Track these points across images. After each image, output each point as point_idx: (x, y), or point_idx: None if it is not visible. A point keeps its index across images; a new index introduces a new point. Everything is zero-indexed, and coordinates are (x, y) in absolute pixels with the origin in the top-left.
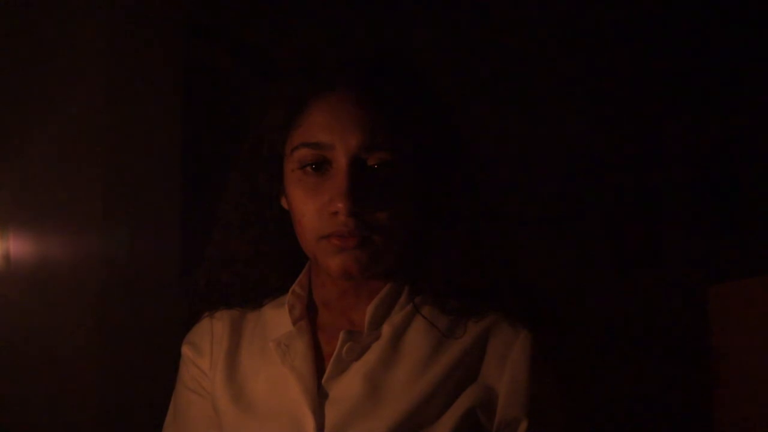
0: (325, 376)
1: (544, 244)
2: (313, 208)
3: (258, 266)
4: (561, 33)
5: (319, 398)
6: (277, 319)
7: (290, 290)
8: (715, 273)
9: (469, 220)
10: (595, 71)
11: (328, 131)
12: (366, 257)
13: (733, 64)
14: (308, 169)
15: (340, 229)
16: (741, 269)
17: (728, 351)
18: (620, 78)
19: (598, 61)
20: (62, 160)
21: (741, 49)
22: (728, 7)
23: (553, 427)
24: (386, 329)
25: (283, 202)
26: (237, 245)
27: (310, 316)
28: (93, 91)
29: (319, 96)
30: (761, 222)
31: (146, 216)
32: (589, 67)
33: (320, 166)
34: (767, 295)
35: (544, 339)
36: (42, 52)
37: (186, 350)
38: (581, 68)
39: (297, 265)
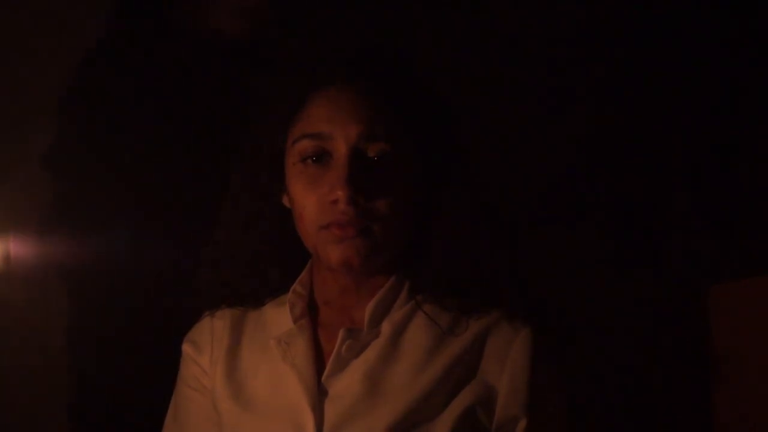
0: (325, 373)
1: (544, 243)
2: (314, 199)
3: (259, 266)
4: (562, 32)
5: (319, 396)
6: (278, 318)
7: (291, 289)
8: (715, 273)
9: (469, 217)
10: (596, 70)
11: (328, 122)
12: (366, 247)
13: (734, 63)
14: (309, 161)
15: (340, 218)
16: (741, 269)
17: (728, 351)
18: (620, 77)
19: (598, 60)
20: (63, 159)
21: (742, 47)
22: (730, 7)
23: (553, 425)
24: (386, 327)
25: (285, 201)
26: (238, 245)
27: (311, 314)
28: (92, 91)
29: (319, 89)
30: (761, 222)
31: (147, 215)
32: (590, 65)
33: (321, 158)
34: (767, 295)
35: (545, 338)
36: (41, 51)
37: (186, 348)
38: (582, 67)
39: (298, 265)
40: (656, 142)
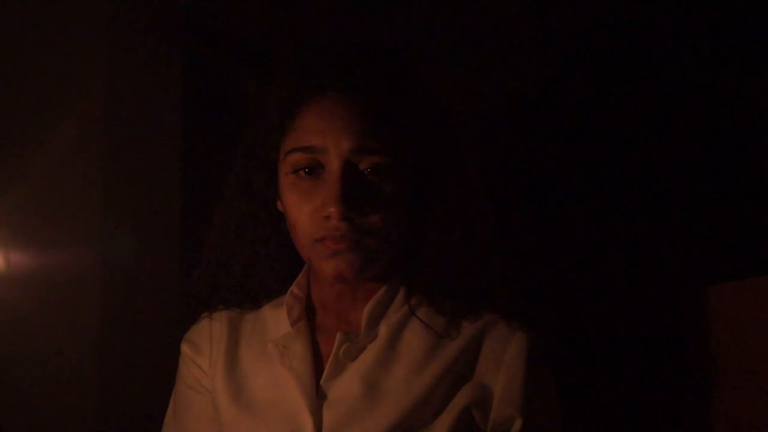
0: (323, 377)
1: (542, 243)
2: (307, 212)
3: (255, 268)
4: (560, 31)
5: (317, 399)
6: (276, 320)
7: (288, 291)
8: (714, 273)
9: (464, 223)
10: (592, 70)
11: (320, 135)
12: (359, 260)
13: (734, 62)
14: (301, 173)
15: (333, 233)
16: (741, 269)
17: (728, 351)
18: (619, 76)
19: (594, 58)
20: (62, 162)
21: (742, 46)
22: (730, 7)
23: (548, 426)
24: (383, 330)
25: (279, 206)
26: (234, 248)
27: (308, 317)
28: (92, 94)
29: (311, 100)
30: (761, 222)
31: (146, 218)
32: (587, 64)
33: (313, 170)
34: (767, 295)
35: (540, 339)
36: (40, 56)
37: (185, 348)
38: (579, 66)
39: (295, 267)
40: (655, 141)
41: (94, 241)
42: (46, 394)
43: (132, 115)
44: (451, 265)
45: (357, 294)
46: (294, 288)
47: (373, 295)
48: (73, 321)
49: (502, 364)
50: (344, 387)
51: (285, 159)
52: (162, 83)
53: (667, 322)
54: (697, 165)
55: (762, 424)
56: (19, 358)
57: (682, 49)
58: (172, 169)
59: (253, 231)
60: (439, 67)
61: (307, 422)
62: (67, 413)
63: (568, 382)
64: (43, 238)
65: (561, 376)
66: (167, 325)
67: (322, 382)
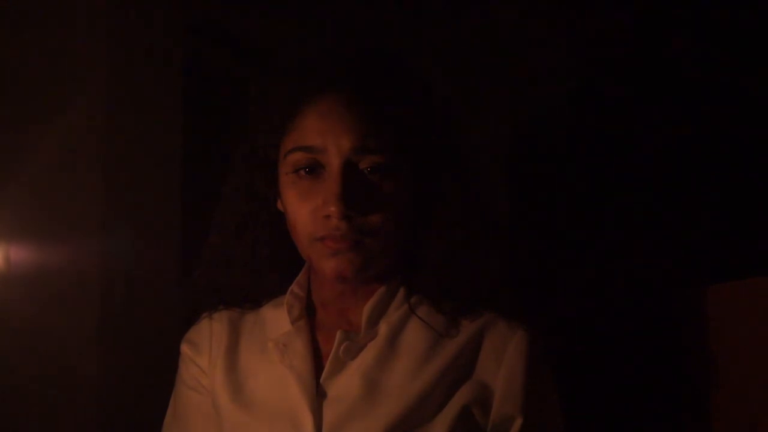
0: (323, 375)
1: (541, 243)
2: (307, 211)
3: (255, 268)
4: (559, 31)
5: (317, 397)
6: (276, 319)
7: (289, 290)
8: (715, 273)
9: (464, 223)
10: (594, 70)
11: (320, 135)
12: (359, 260)
13: (734, 62)
14: (302, 172)
15: (333, 233)
16: (741, 269)
17: (728, 351)
18: (619, 76)
19: (595, 59)
20: (62, 163)
21: (740, 45)
22: (730, 8)
23: (548, 425)
24: (383, 329)
25: (279, 205)
26: (234, 248)
27: (308, 316)
28: (92, 94)
29: (311, 100)
30: (761, 222)
31: (147, 217)
32: (588, 65)
33: (313, 169)
34: (767, 295)
35: (540, 338)
36: (40, 56)
37: (185, 349)
38: (579, 67)
39: (295, 267)
40: (655, 142)
41: (94, 240)
42: (46, 394)
43: (132, 114)
44: (451, 265)
45: (357, 293)
46: (294, 287)
47: (373, 293)
48: (73, 321)
49: (503, 362)
50: (344, 385)
51: (285, 159)
52: (162, 83)
53: (667, 322)
54: (698, 165)
55: (762, 422)
56: (18, 358)
57: (686, 52)
58: (172, 169)
59: (253, 231)
60: (460, 73)
61: (307, 420)
62: (68, 413)
63: (569, 382)
64: (43, 237)
65: (561, 376)
66: (167, 325)
67: (322, 380)
